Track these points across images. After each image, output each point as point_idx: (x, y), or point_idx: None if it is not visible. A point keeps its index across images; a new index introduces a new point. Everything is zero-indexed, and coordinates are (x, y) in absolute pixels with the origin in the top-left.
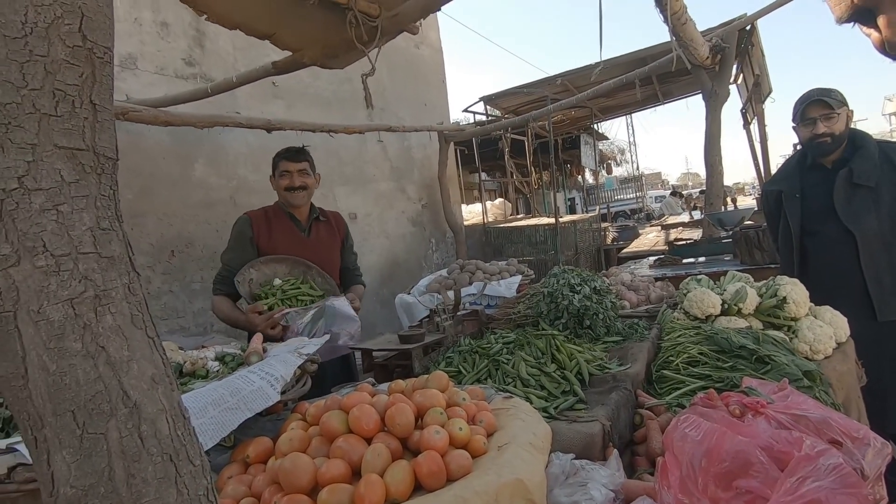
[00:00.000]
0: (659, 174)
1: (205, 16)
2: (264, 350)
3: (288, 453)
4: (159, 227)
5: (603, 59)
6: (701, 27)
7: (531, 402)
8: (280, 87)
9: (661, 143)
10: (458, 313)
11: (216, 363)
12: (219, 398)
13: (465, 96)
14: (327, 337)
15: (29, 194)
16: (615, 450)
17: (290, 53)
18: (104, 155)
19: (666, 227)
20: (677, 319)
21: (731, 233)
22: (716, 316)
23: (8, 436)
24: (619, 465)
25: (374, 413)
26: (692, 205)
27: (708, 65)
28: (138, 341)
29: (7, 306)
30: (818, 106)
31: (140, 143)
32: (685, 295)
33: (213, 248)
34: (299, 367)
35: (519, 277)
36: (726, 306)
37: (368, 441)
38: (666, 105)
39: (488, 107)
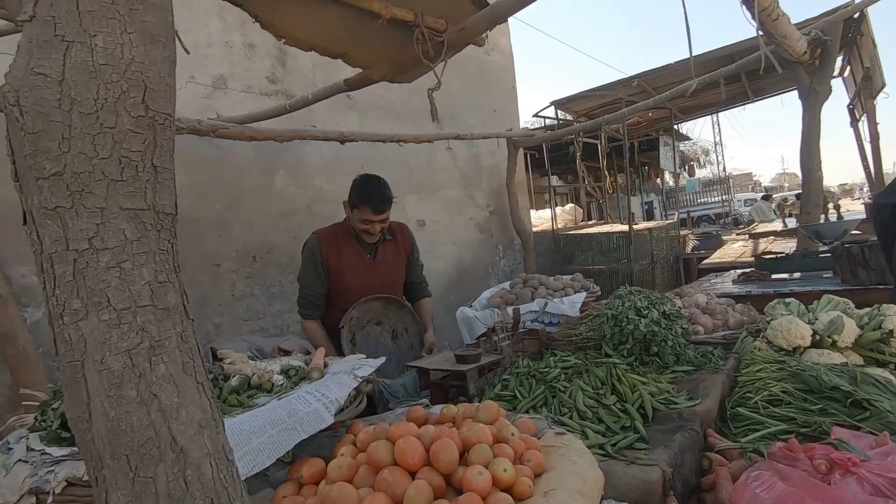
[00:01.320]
0: (749, 175)
1: (283, 39)
2: (325, 365)
3: (336, 480)
4: (243, 234)
5: (685, 57)
6: (798, 18)
7: (587, 437)
8: (354, 99)
9: (752, 140)
10: (519, 331)
11: (281, 377)
12: (277, 418)
13: (536, 100)
14: (383, 359)
15: (97, 254)
16: (675, 500)
17: (361, 70)
18: (163, 212)
19: (754, 237)
20: (759, 350)
21: (830, 247)
22: (805, 348)
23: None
24: None
25: (420, 446)
26: (786, 211)
27: (806, 60)
28: (188, 388)
29: (76, 356)
30: None
31: (228, 157)
32: (769, 322)
33: (290, 254)
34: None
35: (583, 294)
36: (818, 337)
37: (413, 474)
38: (759, 101)
39: (559, 111)
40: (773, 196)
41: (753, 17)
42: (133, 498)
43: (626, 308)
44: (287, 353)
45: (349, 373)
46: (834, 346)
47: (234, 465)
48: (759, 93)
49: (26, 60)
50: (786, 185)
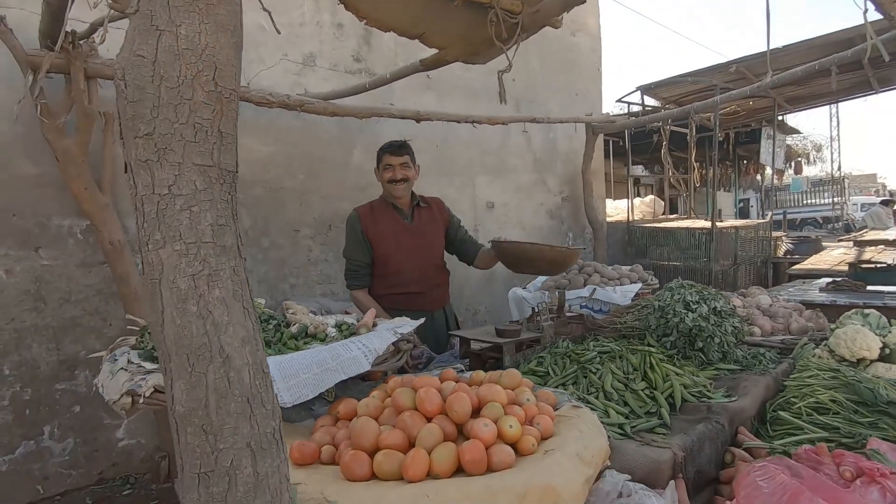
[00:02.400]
0: (873, 176)
1: (364, 20)
2: (374, 325)
3: (363, 416)
4: (321, 204)
5: (793, 42)
6: None
7: (608, 416)
8: (433, 79)
9: (881, 137)
10: (565, 315)
11: (334, 329)
12: (322, 360)
13: (623, 86)
14: (423, 320)
15: (174, 198)
16: (674, 481)
17: (437, 51)
18: (226, 169)
19: (860, 244)
20: (817, 357)
21: None
22: (871, 361)
23: None
24: (675, 498)
25: (438, 397)
26: None
27: None
28: (236, 310)
29: (155, 275)
30: None
31: (313, 130)
32: (833, 330)
33: None
34: (394, 343)
35: (638, 285)
36: (887, 351)
37: (430, 420)
38: (886, 93)
39: (646, 97)
40: None
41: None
42: (190, 387)
43: (675, 301)
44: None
45: (391, 329)
46: None
47: (269, 377)
48: (886, 83)
49: (131, 45)
50: None
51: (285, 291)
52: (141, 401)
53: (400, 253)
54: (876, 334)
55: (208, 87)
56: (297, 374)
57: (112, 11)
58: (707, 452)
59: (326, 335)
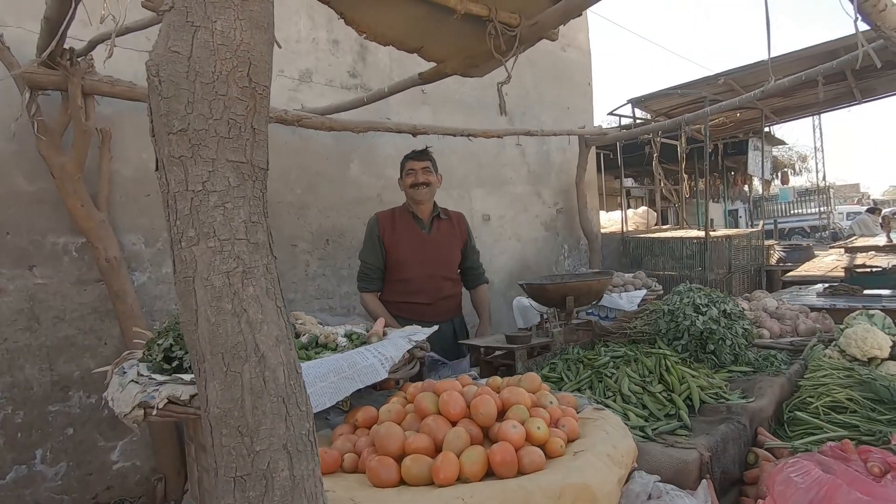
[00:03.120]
0: (856, 186)
1: (364, 35)
2: (384, 334)
3: (386, 422)
4: (319, 218)
5: (781, 53)
6: None
7: (628, 419)
8: (428, 94)
9: (862, 148)
10: (573, 322)
11: (344, 339)
12: (338, 368)
13: (613, 100)
14: (436, 327)
15: (208, 195)
16: (705, 480)
17: (435, 64)
18: (258, 166)
19: (851, 251)
20: (828, 357)
21: None
22: (882, 360)
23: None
24: (708, 498)
25: (461, 399)
26: (892, 225)
27: None
28: (270, 308)
29: (189, 273)
30: None
31: (310, 145)
32: (843, 330)
33: (360, 239)
34: (409, 351)
35: (643, 292)
36: None
37: (454, 424)
38: (868, 103)
39: (637, 109)
40: (884, 210)
41: (855, 9)
42: (225, 387)
43: (685, 304)
44: None
45: (405, 337)
46: None
47: (301, 378)
48: (868, 93)
49: (165, 41)
50: None
51: None
52: (154, 412)
53: (413, 261)
54: (886, 333)
55: (242, 83)
56: (313, 383)
57: (118, 25)
58: (731, 453)
59: (337, 345)
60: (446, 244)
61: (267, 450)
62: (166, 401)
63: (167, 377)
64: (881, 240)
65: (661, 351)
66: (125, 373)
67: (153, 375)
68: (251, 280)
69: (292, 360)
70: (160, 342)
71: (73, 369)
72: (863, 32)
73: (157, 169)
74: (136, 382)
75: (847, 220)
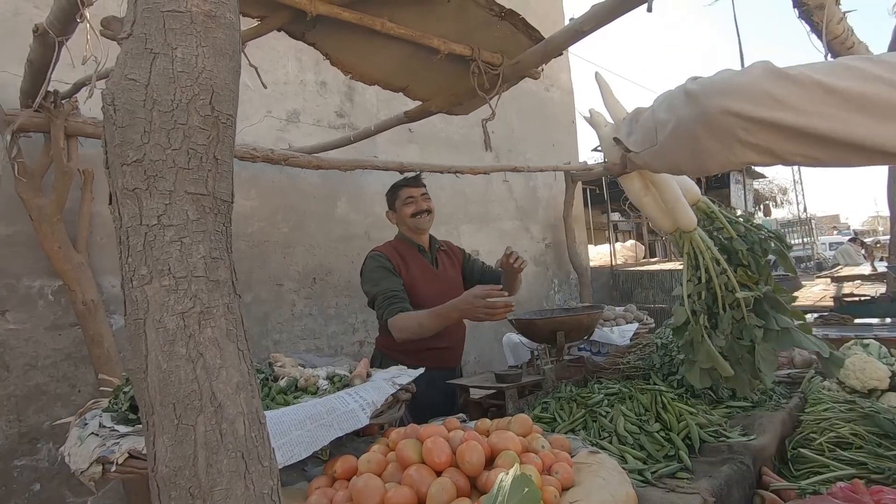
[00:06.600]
0: (836, 217)
1: (350, 75)
2: (368, 375)
3: (365, 473)
4: (305, 256)
5: None
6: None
7: (625, 462)
8: (415, 132)
9: (840, 180)
10: (564, 358)
11: (326, 382)
12: (316, 414)
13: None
14: (422, 370)
15: (163, 229)
16: None
17: (421, 103)
18: (221, 198)
19: (837, 280)
20: (828, 390)
21: None
22: (882, 391)
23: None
24: None
25: (447, 447)
26: (876, 255)
27: None
28: (230, 352)
29: (140, 314)
30: None
31: (297, 184)
32: None
33: (347, 277)
34: (393, 395)
35: (635, 325)
36: None
37: (439, 473)
38: None
39: None
40: (866, 240)
41: (824, 46)
42: (176, 442)
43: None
44: None
45: (388, 380)
46: None
47: (266, 428)
48: None
49: (122, 69)
50: (880, 228)
51: (268, 348)
52: (113, 468)
53: (429, 298)
54: (883, 363)
55: (204, 112)
56: (288, 432)
57: (99, 67)
58: (735, 497)
59: (318, 388)
60: (454, 277)
61: None
62: (127, 455)
63: (131, 428)
64: (866, 269)
65: (656, 387)
66: (87, 424)
67: (116, 427)
68: (209, 321)
69: (254, 410)
70: (126, 389)
71: (42, 419)
72: None
73: (110, 203)
74: (97, 435)
75: (830, 250)
